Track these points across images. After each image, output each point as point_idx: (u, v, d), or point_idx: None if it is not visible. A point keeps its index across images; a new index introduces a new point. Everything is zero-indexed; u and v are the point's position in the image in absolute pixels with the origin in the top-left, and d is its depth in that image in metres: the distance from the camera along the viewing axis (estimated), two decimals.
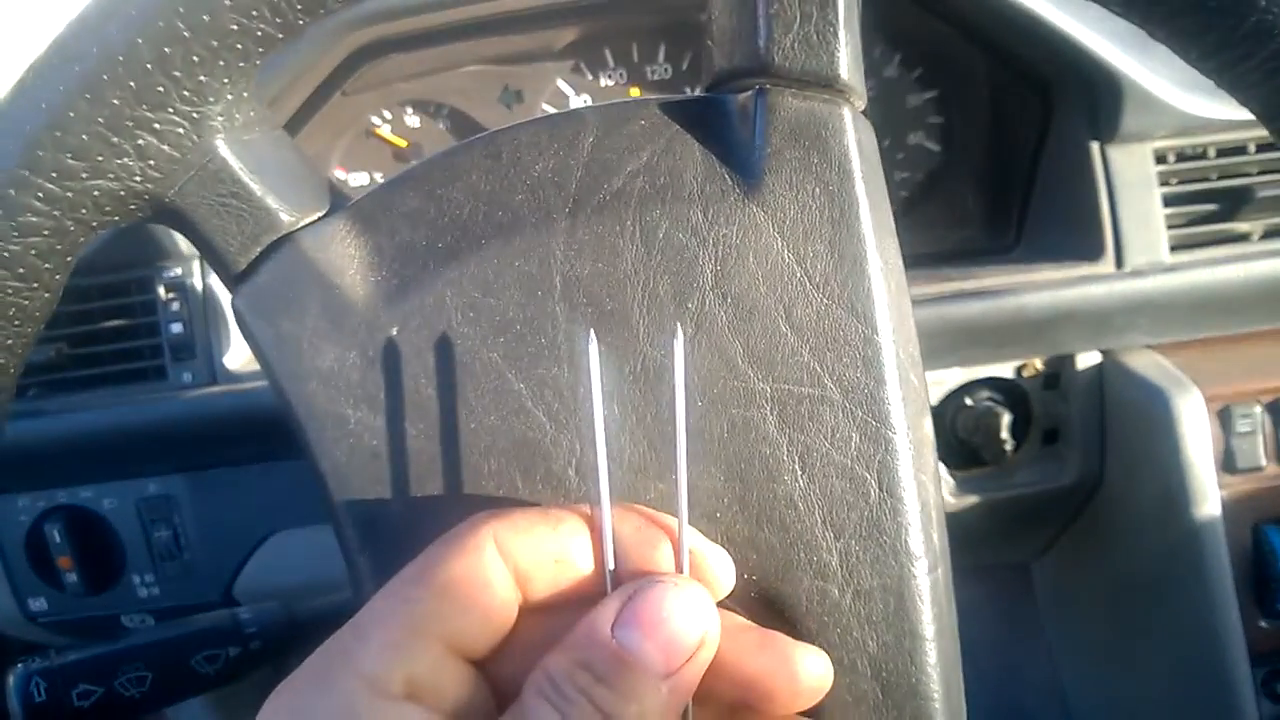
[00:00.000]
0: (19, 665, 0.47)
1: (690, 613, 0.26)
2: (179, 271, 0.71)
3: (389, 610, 0.26)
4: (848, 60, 0.32)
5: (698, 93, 0.35)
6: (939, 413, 0.78)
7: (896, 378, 0.32)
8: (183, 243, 0.71)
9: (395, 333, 0.32)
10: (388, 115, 0.80)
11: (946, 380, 0.77)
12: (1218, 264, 0.73)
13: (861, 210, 0.32)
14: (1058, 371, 0.79)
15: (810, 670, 0.29)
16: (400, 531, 0.32)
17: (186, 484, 0.75)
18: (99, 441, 0.71)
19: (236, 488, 0.75)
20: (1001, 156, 0.82)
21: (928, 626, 0.32)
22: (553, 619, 0.27)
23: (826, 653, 0.31)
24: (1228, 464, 0.76)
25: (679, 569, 0.28)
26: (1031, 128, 0.79)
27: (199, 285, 0.71)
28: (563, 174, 0.32)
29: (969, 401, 0.78)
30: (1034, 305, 0.71)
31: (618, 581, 0.28)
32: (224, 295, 0.72)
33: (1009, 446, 0.75)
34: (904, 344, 0.32)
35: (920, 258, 0.81)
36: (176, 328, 0.71)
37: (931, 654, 0.32)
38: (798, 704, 0.29)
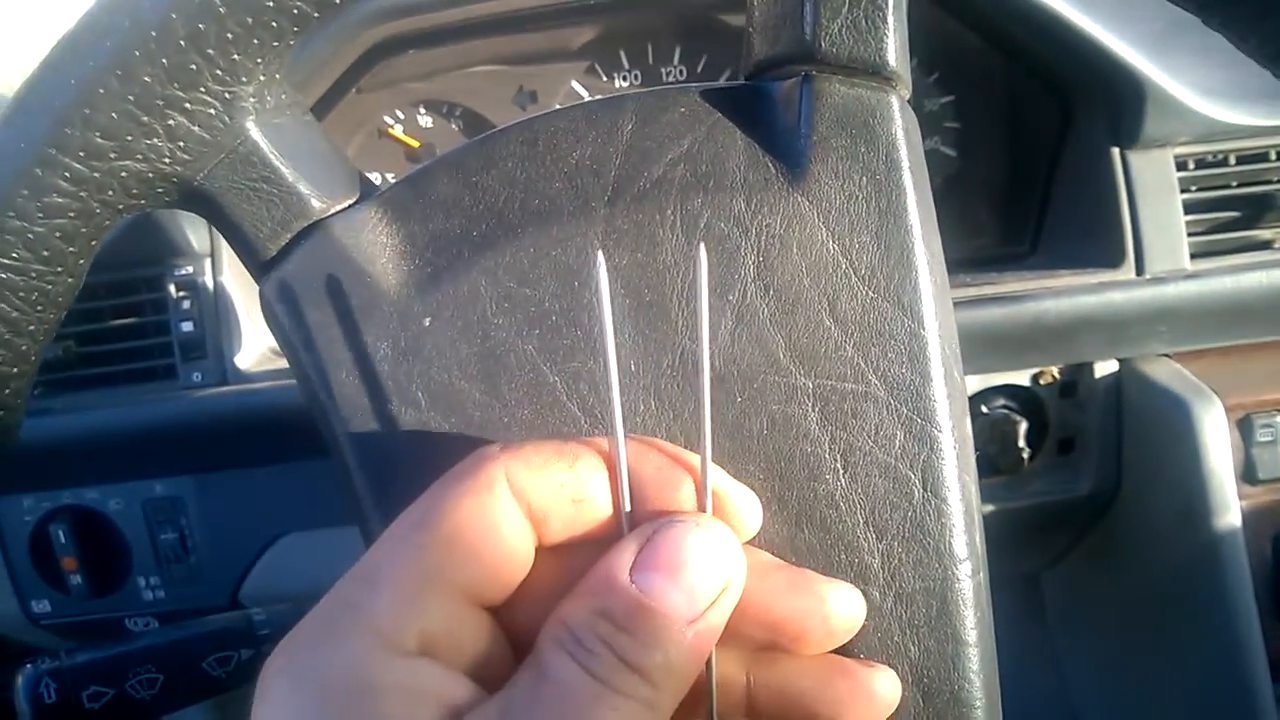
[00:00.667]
0: (28, 666, 0.46)
1: (714, 554, 0.25)
2: (190, 269, 0.70)
3: (398, 557, 0.24)
4: (895, 47, 0.31)
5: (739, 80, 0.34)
6: None
7: (942, 374, 0.31)
8: (195, 240, 0.70)
9: (427, 323, 0.31)
10: (400, 115, 0.79)
11: None
12: (1239, 271, 0.72)
13: (909, 201, 0.31)
14: (1075, 380, 0.78)
15: (842, 608, 0.27)
16: None
17: (194, 485, 0.74)
18: (106, 441, 0.70)
19: (245, 490, 0.74)
20: (1019, 161, 0.81)
21: (970, 631, 0.31)
22: (571, 561, 0.26)
23: (865, 657, 0.30)
24: (1248, 474, 0.75)
25: (701, 508, 0.26)
26: (1050, 132, 0.78)
27: (210, 283, 0.70)
28: (601, 162, 0.32)
29: (985, 409, 0.77)
30: (1053, 311, 0.70)
31: (635, 523, 0.26)
32: (236, 293, 0.71)
33: (1025, 455, 0.75)
34: (948, 339, 0.32)
35: (950, 264, 0.81)
36: (187, 326, 0.70)
37: (974, 660, 0.31)
38: (830, 643, 0.28)
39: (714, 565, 0.25)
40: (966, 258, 0.82)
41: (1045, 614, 0.98)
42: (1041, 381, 0.78)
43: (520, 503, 0.25)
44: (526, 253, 0.31)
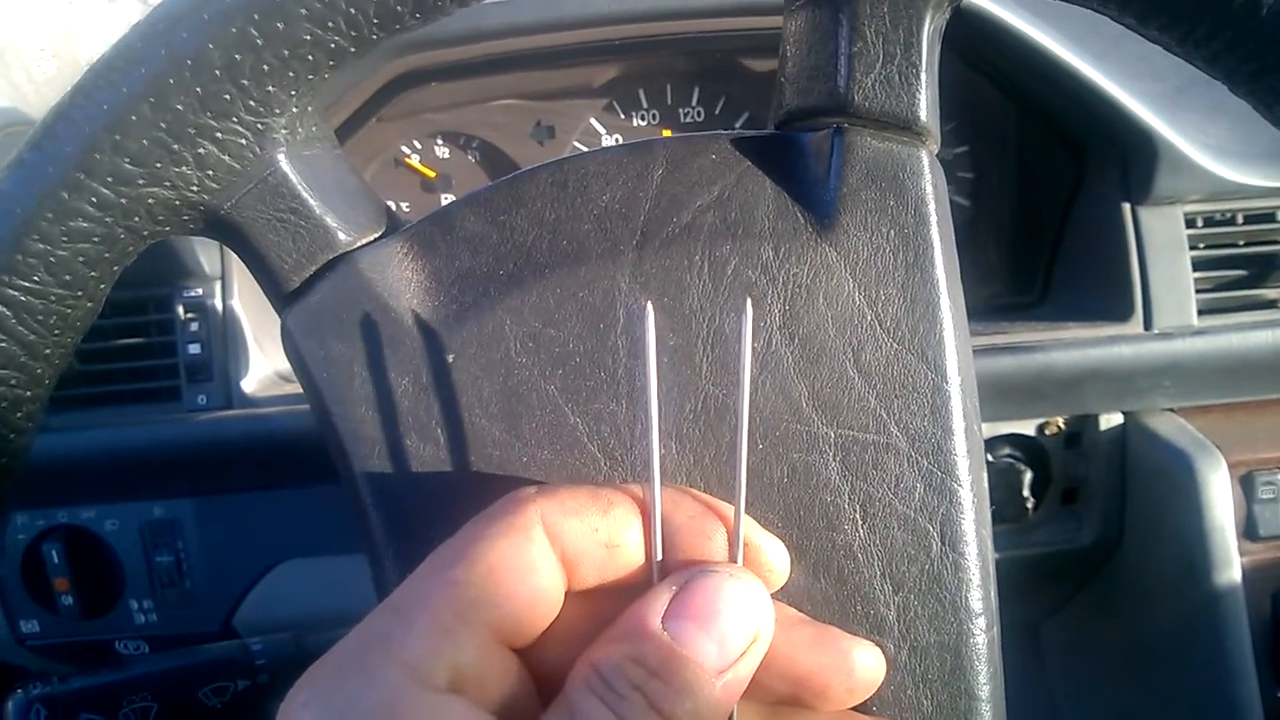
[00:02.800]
0: (18, 691, 0.46)
1: (745, 605, 0.25)
2: (200, 291, 0.70)
3: (432, 592, 0.24)
4: (927, 103, 0.31)
5: (767, 129, 0.34)
6: None
7: (963, 428, 0.31)
8: (206, 262, 0.70)
9: (450, 359, 0.31)
10: (418, 145, 0.80)
11: None
12: (1245, 329, 0.73)
13: (936, 255, 0.31)
14: (1080, 431, 0.78)
15: (865, 666, 0.28)
16: None
17: (193, 508, 0.73)
18: (108, 461, 0.69)
19: (243, 515, 0.73)
20: (1030, 213, 0.82)
21: (983, 687, 0.31)
22: (598, 607, 0.26)
23: (878, 711, 0.30)
24: (1250, 531, 0.75)
25: (733, 559, 0.26)
26: (1062, 185, 0.79)
27: (219, 306, 0.70)
28: (631, 205, 0.32)
29: (990, 457, 0.77)
30: (1062, 362, 0.70)
31: (666, 570, 0.26)
32: (245, 317, 0.71)
33: (1029, 505, 0.75)
34: (969, 393, 0.32)
35: None
36: (194, 348, 0.70)
37: (987, 715, 0.31)
38: (850, 700, 0.28)
39: (745, 616, 0.25)
40: (977, 305, 0.83)
41: (1045, 663, 0.98)
42: (1047, 432, 0.78)
43: (554, 546, 0.25)
44: (553, 293, 0.31)
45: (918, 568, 0.30)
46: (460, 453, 0.31)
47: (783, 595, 0.30)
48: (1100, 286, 0.75)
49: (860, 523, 0.30)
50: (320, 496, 0.69)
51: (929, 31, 0.31)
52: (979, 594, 0.31)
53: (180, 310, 0.70)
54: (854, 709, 0.28)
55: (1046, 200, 0.80)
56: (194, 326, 0.70)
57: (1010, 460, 0.76)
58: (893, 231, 0.31)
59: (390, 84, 0.67)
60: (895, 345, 0.31)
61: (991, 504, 0.77)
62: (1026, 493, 0.74)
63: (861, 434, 0.30)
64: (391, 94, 0.69)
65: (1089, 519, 0.80)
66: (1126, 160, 0.73)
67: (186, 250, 0.69)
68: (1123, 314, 0.73)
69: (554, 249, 0.31)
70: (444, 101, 0.72)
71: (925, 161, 0.31)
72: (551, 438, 0.30)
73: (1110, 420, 0.78)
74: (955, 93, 0.78)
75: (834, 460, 0.30)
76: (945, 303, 0.31)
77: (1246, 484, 0.75)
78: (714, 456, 0.30)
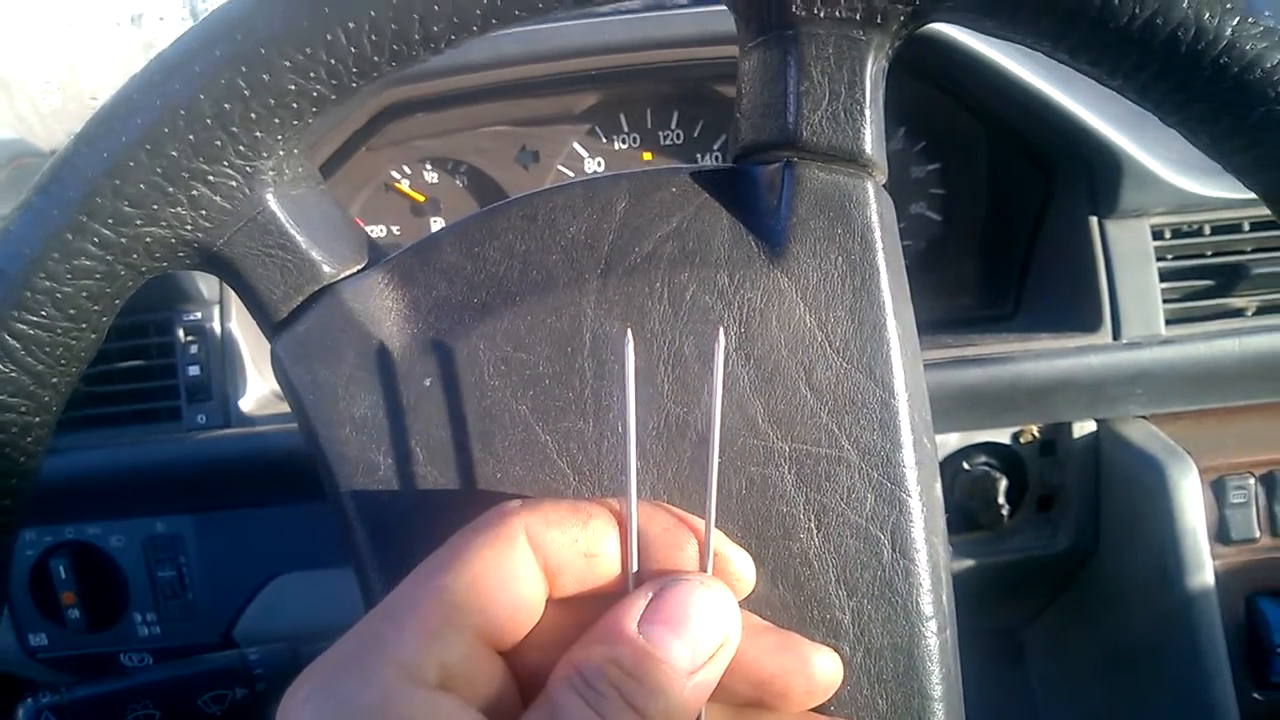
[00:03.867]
0: (28, 699, 0.48)
1: (715, 612, 0.27)
2: (199, 315, 0.72)
3: (422, 597, 0.26)
4: (872, 136, 0.34)
5: (722, 162, 0.36)
6: None
7: (911, 441, 0.33)
8: (204, 287, 0.73)
9: (428, 384, 0.33)
10: (407, 170, 0.82)
11: (945, 444, 0.78)
12: (1213, 338, 0.75)
13: (882, 279, 0.33)
14: (1054, 439, 0.80)
15: (824, 670, 0.30)
16: None
17: (193, 524, 0.75)
18: (113, 479, 0.71)
19: (242, 529, 0.76)
20: (1001, 228, 0.84)
21: (936, 686, 0.33)
22: (577, 613, 0.28)
23: (835, 711, 0.32)
24: (1221, 535, 0.77)
25: (703, 568, 0.29)
26: (1032, 201, 0.81)
27: (218, 329, 0.73)
28: (596, 237, 0.34)
29: (966, 466, 0.79)
30: (1032, 373, 0.72)
31: (641, 579, 0.28)
32: (242, 339, 0.73)
33: (1005, 511, 0.76)
34: (919, 408, 0.34)
35: (920, 325, 0.83)
36: (194, 370, 0.72)
37: (939, 713, 0.32)
38: (810, 702, 0.29)
39: (714, 622, 0.27)
40: (951, 319, 0.85)
41: (1027, 668, 1.00)
42: (1022, 440, 0.80)
43: (537, 556, 0.27)
44: (523, 320, 0.33)
45: (870, 574, 0.32)
46: (438, 470, 0.33)
47: (745, 602, 0.32)
48: (1070, 298, 0.77)
49: (815, 532, 0.32)
50: (315, 512, 0.72)
51: (872, 72, 0.33)
52: (930, 598, 0.33)
53: (180, 333, 0.72)
54: (813, 710, 0.30)
55: (1017, 215, 0.82)
56: (193, 349, 0.72)
57: (986, 468, 0.78)
58: (840, 258, 0.33)
59: (378, 115, 0.70)
60: (845, 364, 0.33)
61: (969, 511, 0.79)
62: (1001, 499, 0.76)
63: (815, 448, 0.33)
64: (380, 125, 0.71)
65: (1064, 525, 0.82)
66: (1093, 176, 0.75)
67: (186, 277, 0.72)
68: (1091, 325, 0.75)
69: (524, 278, 0.34)
70: (432, 129, 0.74)
71: (871, 192, 0.33)
72: (523, 454, 0.33)
73: (1084, 428, 0.79)
74: (925, 111, 0.81)
75: (789, 473, 0.32)
76: (892, 323, 0.33)
77: (1218, 489, 0.77)
78: (676, 471, 0.33)
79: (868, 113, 0.33)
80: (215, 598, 0.76)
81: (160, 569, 0.75)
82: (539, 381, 0.33)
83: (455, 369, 0.33)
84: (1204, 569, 0.75)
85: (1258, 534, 0.77)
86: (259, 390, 0.74)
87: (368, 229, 0.84)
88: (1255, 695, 0.76)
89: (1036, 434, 0.80)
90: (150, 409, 0.74)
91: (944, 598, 0.33)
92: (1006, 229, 0.84)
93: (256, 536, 0.76)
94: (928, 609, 0.33)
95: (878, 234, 0.33)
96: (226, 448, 0.71)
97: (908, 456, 0.33)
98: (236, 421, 0.72)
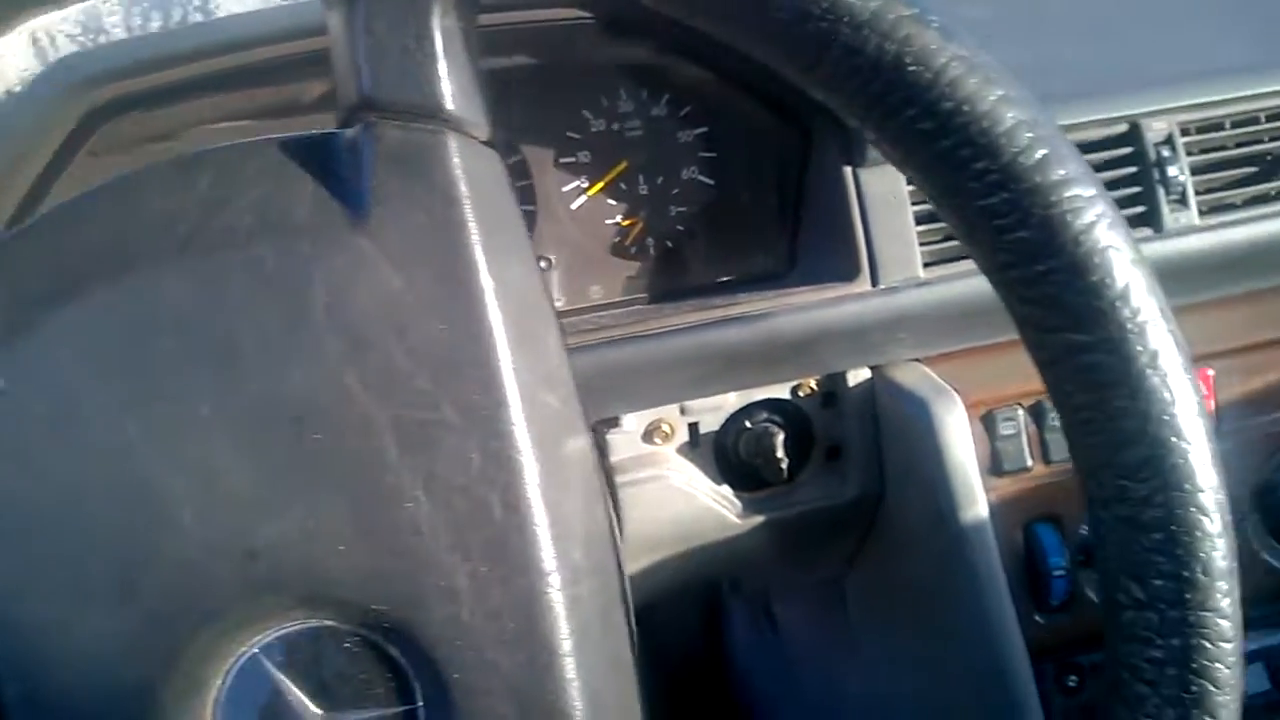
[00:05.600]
0: None
1: None
2: None
3: None
4: (452, 90, 0.33)
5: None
6: (721, 437, 0.80)
7: (519, 397, 0.32)
8: None
9: (1, 384, 0.31)
10: None
11: (724, 404, 0.79)
12: (968, 277, 0.76)
13: (470, 235, 0.32)
14: (833, 390, 0.81)
15: None
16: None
17: None
18: None
19: None
20: (770, 186, 0.85)
21: (563, 641, 0.32)
22: None
23: (461, 676, 0.31)
24: (994, 467, 0.79)
25: None
26: (793, 158, 0.82)
27: None
28: (177, 214, 0.32)
29: (749, 424, 0.80)
30: (789, 327, 0.73)
31: None
32: None
33: (784, 465, 0.77)
34: (532, 364, 0.33)
35: (705, 288, 0.83)
36: None
37: (569, 669, 0.32)
38: None
39: None
40: (734, 280, 0.85)
41: (849, 612, 1.02)
42: (801, 393, 0.81)
43: None
44: (99, 306, 0.31)
45: (483, 535, 0.32)
46: (16, 472, 0.31)
47: (356, 576, 0.31)
48: (834, 249, 0.78)
49: (423, 499, 0.32)
50: None
51: (443, 24, 0.32)
52: (550, 552, 0.32)
53: None
54: (460, 679, 0.30)
55: (784, 172, 0.83)
56: None
57: (766, 424, 0.79)
58: (423, 217, 0.32)
59: (85, 119, 0.66)
60: (439, 325, 0.32)
61: (754, 468, 0.79)
62: (780, 453, 0.77)
63: (416, 413, 0.32)
64: (89, 129, 0.67)
65: (851, 474, 0.83)
66: (843, 126, 0.76)
67: None
68: (851, 273, 0.76)
69: (102, 263, 0.32)
70: (160, 130, 0.71)
71: (453, 147, 0.33)
72: (109, 444, 0.31)
73: (859, 376, 0.81)
74: (682, 78, 0.81)
75: (391, 442, 0.32)
76: (487, 280, 0.32)
77: (988, 422, 0.80)
78: (267, 443, 0.31)
79: (441, 66, 0.32)
80: None
81: None
82: (122, 369, 0.31)
83: (29, 364, 0.31)
84: (979, 502, 0.77)
85: (1030, 463, 0.80)
86: None
87: None
88: (1037, 618, 0.79)
89: (815, 386, 0.81)
90: None
91: (576, 552, 0.33)
92: (776, 188, 0.85)
93: None
94: (549, 564, 0.32)
95: (462, 190, 0.32)
96: None
97: (514, 414, 0.32)
98: None
